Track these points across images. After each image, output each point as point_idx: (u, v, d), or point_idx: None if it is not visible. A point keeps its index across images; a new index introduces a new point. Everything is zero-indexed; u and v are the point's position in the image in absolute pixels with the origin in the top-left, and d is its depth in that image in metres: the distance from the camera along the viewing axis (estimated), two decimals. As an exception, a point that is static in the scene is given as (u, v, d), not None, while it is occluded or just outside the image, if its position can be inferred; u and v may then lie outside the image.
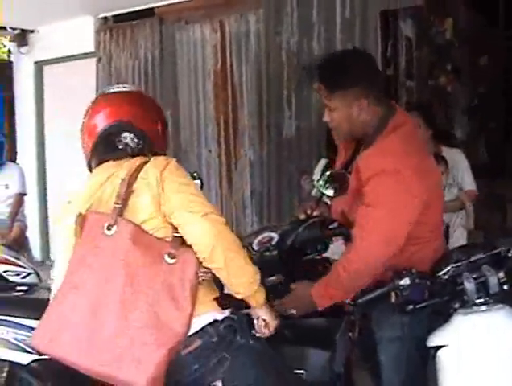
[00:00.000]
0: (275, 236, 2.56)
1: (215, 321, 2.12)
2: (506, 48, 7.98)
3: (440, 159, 4.04)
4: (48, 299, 2.27)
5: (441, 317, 2.19)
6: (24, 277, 4.18)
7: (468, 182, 4.44)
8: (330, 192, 2.53)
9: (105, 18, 6.84)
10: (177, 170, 2.17)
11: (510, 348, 2.03)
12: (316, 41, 5.27)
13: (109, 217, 2.08)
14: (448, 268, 2.16)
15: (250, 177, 5.94)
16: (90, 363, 2.02)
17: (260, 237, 2.58)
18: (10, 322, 2.76)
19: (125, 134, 2.26)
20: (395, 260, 2.25)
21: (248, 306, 2.22)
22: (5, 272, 4.17)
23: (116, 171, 2.18)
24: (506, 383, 2.03)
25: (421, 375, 2.26)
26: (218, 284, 2.20)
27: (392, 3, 5.18)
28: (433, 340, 2.13)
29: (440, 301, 2.16)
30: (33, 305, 2.98)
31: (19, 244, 5.37)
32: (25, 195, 5.77)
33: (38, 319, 2.22)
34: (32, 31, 7.39)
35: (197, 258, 2.07)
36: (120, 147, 2.26)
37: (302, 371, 2.38)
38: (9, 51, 8.04)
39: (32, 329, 2.65)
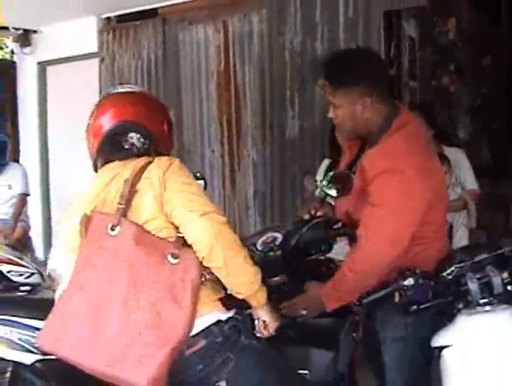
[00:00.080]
0: (279, 236, 2.56)
1: (219, 321, 2.12)
2: (509, 48, 7.96)
3: (443, 159, 4.04)
4: (52, 299, 2.27)
5: (445, 317, 2.18)
6: (27, 277, 4.19)
7: (470, 182, 4.45)
8: (333, 192, 2.53)
9: (108, 18, 6.84)
10: (180, 169, 2.17)
11: (515, 349, 2.03)
12: (320, 41, 5.27)
13: (112, 218, 2.09)
14: (452, 268, 2.15)
15: (253, 177, 5.93)
16: (94, 363, 2.03)
17: (264, 237, 2.58)
18: (13, 322, 2.76)
19: (132, 134, 2.27)
20: (399, 261, 2.25)
21: (250, 307, 2.22)
22: (8, 272, 4.17)
23: (121, 171, 2.19)
24: (510, 384, 2.03)
25: (425, 376, 2.26)
26: (223, 285, 2.19)
27: (395, 3, 5.18)
28: (437, 340, 2.13)
29: (444, 302, 2.16)
30: (36, 305, 2.99)
31: (23, 245, 5.37)
32: (28, 195, 5.78)
33: (41, 319, 2.23)
34: (35, 32, 7.40)
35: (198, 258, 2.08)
36: (126, 147, 2.27)
37: (305, 372, 2.38)
38: (12, 51, 8.04)
39: (36, 329, 2.67)
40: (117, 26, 6.78)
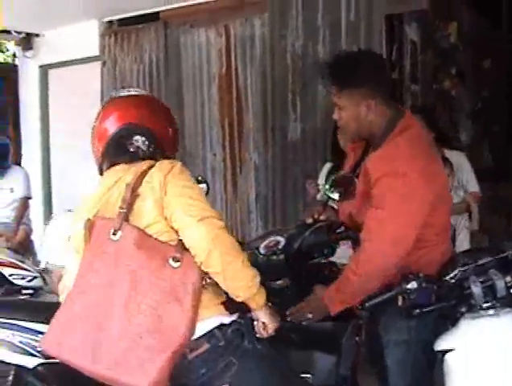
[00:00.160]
0: (282, 239, 2.57)
1: (222, 325, 2.12)
2: (510, 52, 7.97)
3: (446, 162, 4.04)
4: (54, 302, 2.27)
5: (448, 321, 2.18)
6: (29, 281, 4.20)
7: (472, 185, 4.47)
8: (336, 196, 2.53)
9: (110, 22, 6.84)
10: (181, 173, 2.17)
11: (518, 352, 2.02)
12: (321, 44, 5.26)
13: (114, 222, 2.09)
14: (455, 272, 2.15)
15: (255, 180, 5.92)
16: (95, 367, 2.03)
17: (267, 241, 2.59)
18: (15, 325, 2.76)
19: (137, 137, 2.27)
20: (403, 262, 2.25)
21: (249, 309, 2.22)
22: (10, 275, 4.18)
23: (123, 175, 2.19)
24: (514, 388, 2.03)
25: (427, 379, 2.26)
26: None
27: (397, 7, 5.18)
28: (440, 344, 2.12)
29: (447, 305, 2.15)
30: (38, 308, 2.99)
31: (24, 248, 5.39)
32: (30, 198, 5.79)
33: (43, 322, 2.23)
34: (37, 35, 7.40)
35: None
36: (131, 150, 2.27)
37: (308, 375, 2.38)
38: (14, 54, 8.04)
39: (38, 332, 2.67)
40: (118, 30, 6.78)
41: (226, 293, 2.19)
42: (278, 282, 2.51)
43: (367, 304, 2.23)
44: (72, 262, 2.26)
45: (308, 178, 4.90)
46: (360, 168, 2.48)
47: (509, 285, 2.08)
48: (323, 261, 2.61)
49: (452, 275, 2.15)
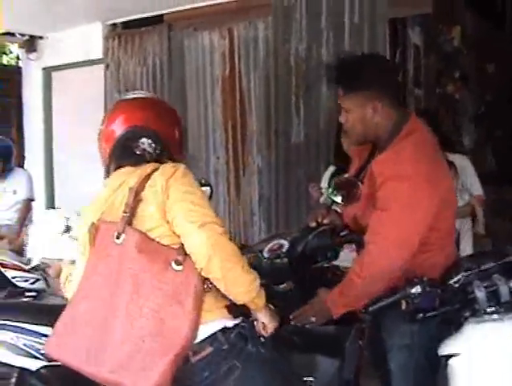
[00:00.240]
0: (286, 243, 2.57)
1: (226, 328, 2.12)
2: (513, 54, 7.98)
3: (450, 165, 4.03)
4: (57, 305, 2.28)
5: (452, 325, 2.18)
6: (32, 283, 4.20)
7: (476, 188, 4.47)
8: (339, 199, 2.54)
9: (114, 24, 6.85)
10: (183, 177, 2.16)
11: (522, 357, 2.02)
12: (325, 47, 5.26)
13: (118, 226, 2.09)
14: (459, 276, 2.15)
15: (258, 183, 5.92)
16: (98, 370, 2.03)
17: (271, 244, 2.59)
18: (18, 327, 2.77)
19: (143, 140, 2.27)
20: (408, 265, 2.25)
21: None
22: (13, 278, 4.18)
23: (127, 179, 2.19)
24: (518, 393, 2.03)
25: (430, 384, 2.26)
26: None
27: (401, 11, 5.18)
28: (444, 349, 2.12)
29: (451, 310, 2.15)
30: (42, 311, 2.99)
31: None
32: (33, 200, 5.80)
33: (46, 325, 2.23)
34: (41, 38, 7.42)
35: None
36: (138, 153, 2.27)
37: (311, 379, 2.38)
38: (17, 57, 8.08)
39: (41, 335, 2.68)
40: (122, 33, 6.79)
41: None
42: (282, 285, 2.51)
43: (371, 308, 2.23)
44: (79, 262, 2.27)
45: (311, 181, 4.89)
46: (365, 171, 2.48)
47: (513, 289, 2.08)
48: (326, 265, 2.61)
49: (455, 279, 2.15)
